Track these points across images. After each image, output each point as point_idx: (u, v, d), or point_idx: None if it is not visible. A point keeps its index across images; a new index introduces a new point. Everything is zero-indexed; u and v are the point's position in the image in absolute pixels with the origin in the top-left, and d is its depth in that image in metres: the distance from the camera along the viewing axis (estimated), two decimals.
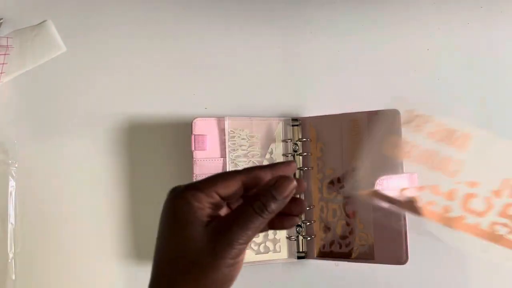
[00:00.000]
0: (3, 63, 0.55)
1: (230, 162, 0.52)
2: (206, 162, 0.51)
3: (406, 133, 0.39)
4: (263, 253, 0.51)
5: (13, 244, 0.53)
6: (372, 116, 0.51)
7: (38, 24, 0.57)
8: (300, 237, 0.51)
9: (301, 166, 0.51)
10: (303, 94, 0.57)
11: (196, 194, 0.31)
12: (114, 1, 0.58)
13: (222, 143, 0.52)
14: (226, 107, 0.56)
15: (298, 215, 0.35)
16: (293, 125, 0.53)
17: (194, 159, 0.51)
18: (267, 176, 0.33)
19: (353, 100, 0.56)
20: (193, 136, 0.51)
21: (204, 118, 0.52)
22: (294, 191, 0.32)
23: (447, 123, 0.38)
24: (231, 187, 0.32)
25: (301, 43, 0.58)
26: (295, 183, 0.32)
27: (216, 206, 0.32)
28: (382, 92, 0.57)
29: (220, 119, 0.52)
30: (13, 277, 0.52)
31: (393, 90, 0.57)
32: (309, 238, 0.51)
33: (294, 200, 0.33)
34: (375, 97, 0.56)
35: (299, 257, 0.51)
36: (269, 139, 0.53)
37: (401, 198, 0.39)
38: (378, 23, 0.58)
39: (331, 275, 0.54)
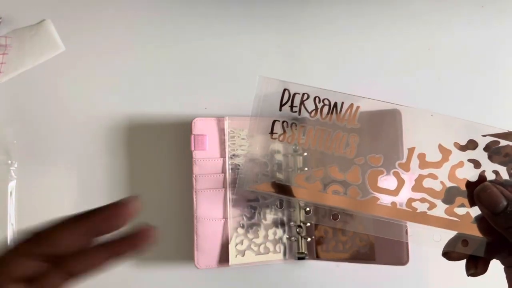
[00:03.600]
0: (2, 63, 0.55)
1: (230, 162, 0.52)
2: (206, 162, 0.51)
3: (285, 113, 0.35)
4: (263, 253, 0.51)
5: None
6: (372, 116, 0.51)
7: (37, 23, 0.56)
8: (300, 238, 0.51)
9: (301, 166, 0.51)
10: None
11: None
12: (114, 0, 0.57)
13: (222, 143, 0.52)
14: (226, 107, 0.55)
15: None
16: (292, 119, 0.53)
17: (194, 159, 0.51)
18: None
19: None
20: (192, 136, 0.51)
21: (204, 118, 0.52)
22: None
23: (327, 97, 0.34)
24: None
25: (301, 42, 0.58)
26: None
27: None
28: (382, 92, 0.57)
29: (220, 119, 0.52)
30: None
31: (393, 90, 0.57)
32: (309, 239, 0.51)
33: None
34: (375, 97, 0.56)
35: (299, 258, 0.51)
36: (269, 139, 0.53)
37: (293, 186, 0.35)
38: (378, 23, 0.58)
39: (332, 275, 0.54)
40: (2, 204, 0.53)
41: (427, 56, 0.58)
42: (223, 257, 0.50)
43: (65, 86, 0.56)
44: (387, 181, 0.34)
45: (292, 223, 0.51)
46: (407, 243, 0.47)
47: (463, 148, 0.33)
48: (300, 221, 0.51)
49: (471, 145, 0.33)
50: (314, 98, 0.35)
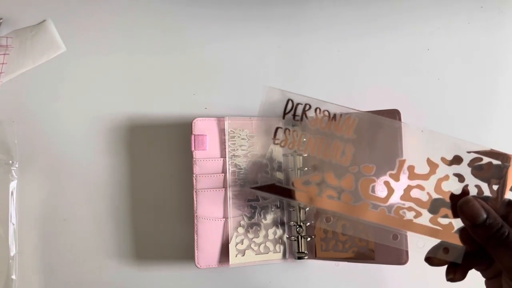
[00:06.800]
0: (3, 63, 0.55)
1: (230, 162, 0.52)
2: (206, 162, 0.52)
3: (288, 122, 0.38)
4: (263, 253, 0.51)
5: (14, 244, 0.53)
6: (371, 122, 0.51)
7: (38, 23, 0.56)
8: (300, 238, 0.52)
9: (301, 166, 0.51)
10: (303, 94, 0.57)
11: None
12: (114, 0, 0.58)
13: (222, 143, 0.52)
14: (226, 107, 0.56)
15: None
16: (293, 125, 0.53)
17: (194, 159, 0.51)
18: None
19: (353, 100, 0.56)
20: (193, 136, 0.52)
21: (204, 118, 0.52)
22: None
23: (327, 109, 0.37)
24: None
25: (301, 43, 0.58)
26: None
27: None
28: (382, 92, 0.57)
29: (220, 119, 0.52)
30: (14, 277, 0.52)
31: (393, 90, 0.57)
32: (309, 239, 0.51)
33: None
34: (375, 97, 0.56)
35: (299, 257, 0.51)
36: (269, 139, 0.53)
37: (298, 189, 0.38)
38: (378, 23, 0.58)
39: (331, 275, 0.54)
40: (3, 204, 0.53)
41: (427, 56, 0.58)
42: (224, 257, 0.50)
43: (66, 86, 0.56)
44: (379, 189, 0.36)
45: (292, 222, 0.52)
46: (406, 243, 0.47)
47: (449, 162, 0.35)
48: (300, 221, 0.52)
49: (457, 160, 0.35)
50: (315, 109, 0.37)
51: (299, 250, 0.51)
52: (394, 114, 0.50)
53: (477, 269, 0.35)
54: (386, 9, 0.59)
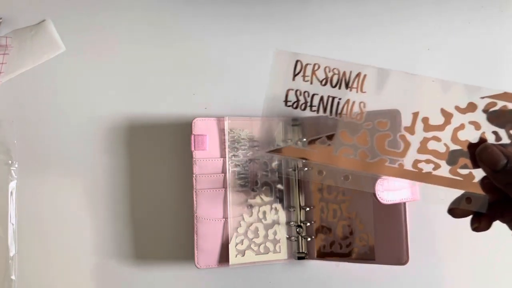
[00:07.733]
0: (2, 63, 0.55)
1: (230, 162, 0.52)
2: (206, 162, 0.51)
3: (299, 83, 0.37)
4: (263, 253, 0.51)
5: (13, 244, 0.53)
6: (372, 116, 0.51)
7: (37, 23, 0.56)
8: (300, 238, 0.51)
9: (301, 166, 0.51)
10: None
11: None
12: (114, 0, 0.58)
13: (222, 143, 0.52)
14: (226, 107, 0.56)
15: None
16: (293, 125, 0.53)
17: (194, 159, 0.51)
18: None
19: None
20: (193, 136, 0.51)
21: (204, 118, 0.52)
22: None
23: (337, 66, 0.37)
24: None
25: (301, 42, 0.58)
26: None
27: None
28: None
29: (220, 119, 0.52)
30: (13, 277, 0.52)
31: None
32: (309, 239, 0.51)
33: None
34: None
35: (299, 258, 0.51)
36: (269, 139, 0.53)
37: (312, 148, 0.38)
38: (378, 23, 0.58)
39: (332, 275, 0.54)
40: (2, 204, 0.53)
41: (427, 56, 0.58)
42: (223, 257, 0.50)
43: (65, 86, 0.56)
44: (393, 144, 0.36)
45: (292, 222, 0.52)
46: (406, 243, 0.47)
47: (463, 111, 0.34)
48: (300, 221, 0.52)
49: (471, 107, 0.34)
50: (325, 68, 0.37)
51: (299, 250, 0.51)
52: (394, 114, 0.50)
53: (502, 221, 0.34)
54: (386, 8, 0.59)
